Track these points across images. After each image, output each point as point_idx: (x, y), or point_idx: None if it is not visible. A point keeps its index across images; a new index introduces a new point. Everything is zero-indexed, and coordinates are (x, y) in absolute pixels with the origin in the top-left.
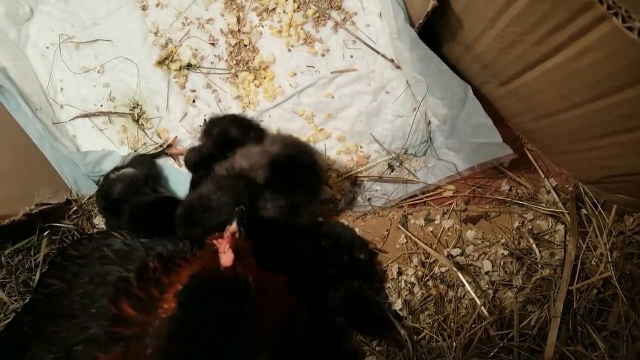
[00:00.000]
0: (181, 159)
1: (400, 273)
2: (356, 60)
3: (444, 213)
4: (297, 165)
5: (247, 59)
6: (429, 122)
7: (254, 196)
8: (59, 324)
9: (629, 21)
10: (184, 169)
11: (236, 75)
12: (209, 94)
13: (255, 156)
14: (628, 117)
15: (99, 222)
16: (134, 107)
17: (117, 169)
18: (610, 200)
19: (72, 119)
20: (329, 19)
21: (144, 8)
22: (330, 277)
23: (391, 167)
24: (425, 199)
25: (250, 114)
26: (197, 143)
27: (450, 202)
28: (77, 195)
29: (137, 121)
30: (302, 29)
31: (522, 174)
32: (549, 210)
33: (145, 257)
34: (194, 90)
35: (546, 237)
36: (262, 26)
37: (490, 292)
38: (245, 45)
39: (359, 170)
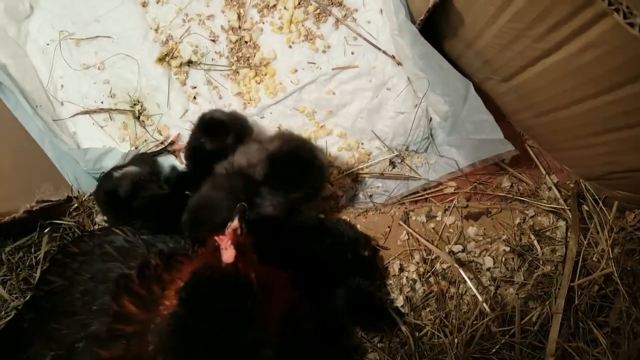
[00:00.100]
0: (182, 155)
1: (401, 270)
2: (357, 57)
3: (446, 209)
4: (296, 160)
5: (248, 56)
6: (430, 118)
7: (252, 194)
8: (60, 321)
9: (630, 17)
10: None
11: (237, 72)
12: (209, 91)
13: (254, 153)
14: (629, 113)
15: (100, 219)
16: (134, 104)
17: (119, 167)
18: (612, 197)
19: (73, 116)
20: (329, 15)
21: (144, 5)
22: (333, 274)
23: (392, 164)
24: (427, 196)
25: (251, 110)
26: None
27: (451, 198)
28: (78, 192)
29: (137, 118)
30: (303, 25)
31: (524, 170)
32: (550, 207)
33: (146, 254)
34: (195, 87)
35: (547, 233)
36: (263, 23)
37: (492, 288)
38: (246, 42)
39: (360, 167)
